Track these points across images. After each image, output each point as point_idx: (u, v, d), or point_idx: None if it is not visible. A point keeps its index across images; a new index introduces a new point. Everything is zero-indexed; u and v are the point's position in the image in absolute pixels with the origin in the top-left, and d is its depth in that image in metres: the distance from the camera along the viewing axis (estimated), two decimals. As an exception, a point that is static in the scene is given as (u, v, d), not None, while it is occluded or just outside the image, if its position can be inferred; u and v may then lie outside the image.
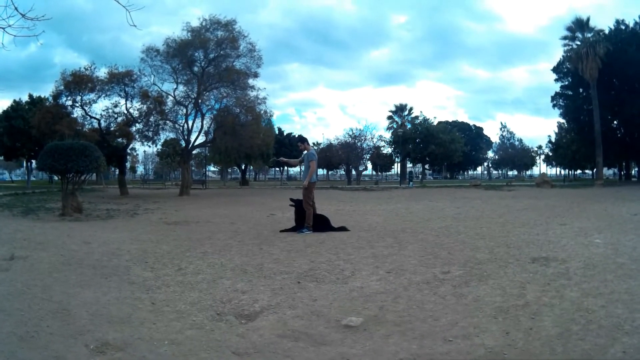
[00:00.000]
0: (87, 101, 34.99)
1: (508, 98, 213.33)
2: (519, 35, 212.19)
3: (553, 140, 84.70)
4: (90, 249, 9.84)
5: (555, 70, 59.64)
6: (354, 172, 69.33)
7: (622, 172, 72.80)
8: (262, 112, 36.92)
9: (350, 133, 66.73)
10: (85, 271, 7.60)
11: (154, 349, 4.41)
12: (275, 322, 5.20)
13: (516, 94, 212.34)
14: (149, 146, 49.36)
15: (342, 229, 12.64)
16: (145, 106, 35.06)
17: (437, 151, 74.32)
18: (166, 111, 35.61)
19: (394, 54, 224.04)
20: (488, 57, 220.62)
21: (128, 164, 73.99)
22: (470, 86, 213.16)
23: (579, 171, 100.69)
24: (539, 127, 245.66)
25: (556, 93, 60.27)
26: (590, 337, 4.42)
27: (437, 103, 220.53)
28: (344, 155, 64.38)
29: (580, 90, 56.56)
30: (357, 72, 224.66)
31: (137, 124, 36.12)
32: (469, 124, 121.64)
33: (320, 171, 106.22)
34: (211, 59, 34.90)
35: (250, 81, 36.14)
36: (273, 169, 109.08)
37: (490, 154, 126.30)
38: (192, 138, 36.88)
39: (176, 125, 37.22)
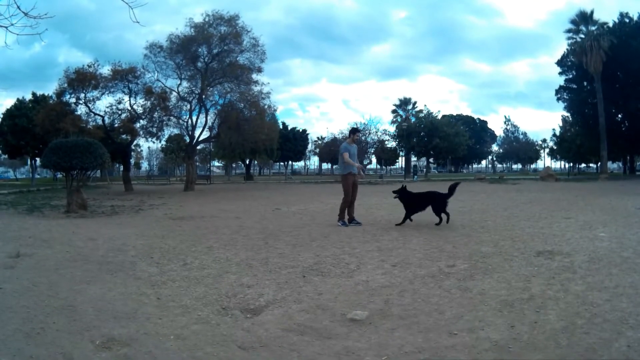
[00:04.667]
0: (91, 98, 35.23)
1: (511, 92, 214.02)
2: (520, 29, 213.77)
3: (557, 133, 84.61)
4: (96, 245, 9.87)
5: (559, 63, 59.51)
6: (358, 165, 69.24)
7: (627, 166, 72.64)
8: (266, 106, 36.84)
9: (354, 127, 66.68)
10: (90, 267, 7.64)
11: (159, 344, 4.43)
12: (280, 316, 5.23)
13: (519, 87, 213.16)
14: (153, 142, 49.32)
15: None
16: (149, 102, 35.20)
17: (442, 145, 74.14)
18: (170, 107, 35.64)
19: (395, 49, 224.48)
20: (490, 51, 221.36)
21: (132, 160, 73.85)
22: (472, 80, 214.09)
23: (583, 165, 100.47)
24: (543, 121, 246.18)
25: (560, 86, 60.18)
26: (595, 330, 4.43)
27: (439, 97, 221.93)
28: (348, 149, 64.07)
29: (585, 83, 56.47)
30: (360, 67, 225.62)
31: (141, 121, 36.27)
32: (473, 118, 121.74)
33: (325, 165, 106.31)
34: (215, 55, 34.91)
35: (254, 76, 36.29)
36: (278, 163, 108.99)
37: (494, 147, 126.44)
38: (197, 133, 36.91)
39: (180, 121, 37.30)
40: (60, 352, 4.22)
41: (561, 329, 4.50)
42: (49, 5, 8.10)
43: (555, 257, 7.64)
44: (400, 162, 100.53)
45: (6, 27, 6.50)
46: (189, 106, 36.45)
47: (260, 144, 39.71)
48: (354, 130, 14.00)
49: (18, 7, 6.25)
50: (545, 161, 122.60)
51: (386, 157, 78.68)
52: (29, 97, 56.43)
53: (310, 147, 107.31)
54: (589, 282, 6.04)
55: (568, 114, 68.65)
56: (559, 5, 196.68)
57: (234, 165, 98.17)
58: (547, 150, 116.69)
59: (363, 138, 61.53)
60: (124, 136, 38.79)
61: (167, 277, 6.99)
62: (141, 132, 36.82)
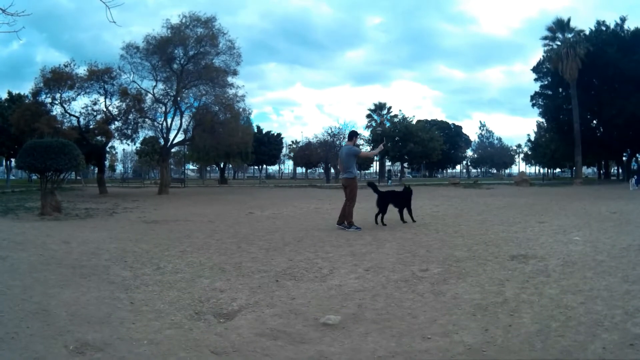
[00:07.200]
0: (67, 99, 34.61)
1: (484, 98, 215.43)
2: (494, 37, 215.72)
3: (532, 139, 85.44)
4: (70, 248, 9.77)
5: (535, 70, 60.07)
6: (332, 170, 69.17)
7: (601, 171, 73.62)
8: (240, 110, 36.69)
9: (329, 131, 66.53)
10: (64, 271, 7.56)
11: (133, 348, 4.39)
12: (253, 320, 5.20)
13: (492, 94, 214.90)
14: (128, 144, 48.97)
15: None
16: (124, 104, 34.70)
17: (416, 149, 74.05)
18: (145, 109, 35.28)
19: (370, 55, 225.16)
20: (463, 58, 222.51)
21: (107, 163, 73.30)
22: (446, 86, 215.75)
23: (558, 170, 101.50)
24: (517, 127, 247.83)
25: (536, 92, 60.73)
26: (570, 333, 4.46)
27: (413, 103, 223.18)
28: (322, 154, 63.93)
29: (560, 90, 57.01)
30: (334, 72, 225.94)
31: (116, 122, 35.78)
32: (448, 123, 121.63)
33: (299, 169, 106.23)
34: (191, 56, 34.69)
35: (229, 79, 36.08)
36: (252, 167, 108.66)
37: (469, 152, 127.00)
38: (171, 136, 36.55)
39: (155, 123, 36.86)
40: (34, 357, 4.17)
41: (536, 332, 4.53)
42: (27, 3, 8.05)
43: (529, 261, 7.71)
44: (375, 166, 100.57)
45: (-17, 24, 6.44)
46: (164, 108, 36.21)
47: (234, 147, 39.54)
48: (354, 133, 13.95)
49: (-5, 3, 6.19)
50: (520, 166, 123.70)
51: (360, 161, 78.66)
52: (5, 96, 55.82)
53: (284, 151, 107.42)
54: (563, 286, 6.09)
55: (543, 120, 69.36)
56: (533, 14, 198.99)
57: (208, 168, 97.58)
58: (521, 155, 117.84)
59: (337, 142, 61.48)
60: (98, 138, 38.24)
61: (141, 281, 6.93)
62: (116, 134, 36.30)
